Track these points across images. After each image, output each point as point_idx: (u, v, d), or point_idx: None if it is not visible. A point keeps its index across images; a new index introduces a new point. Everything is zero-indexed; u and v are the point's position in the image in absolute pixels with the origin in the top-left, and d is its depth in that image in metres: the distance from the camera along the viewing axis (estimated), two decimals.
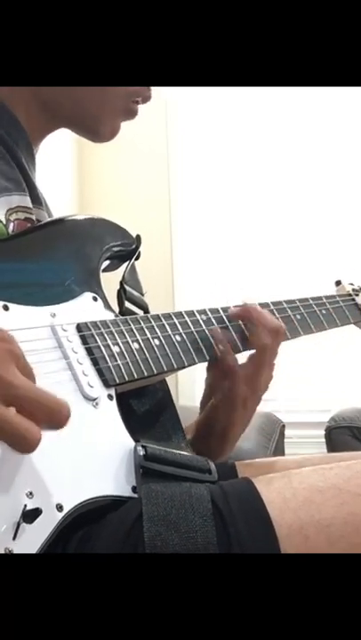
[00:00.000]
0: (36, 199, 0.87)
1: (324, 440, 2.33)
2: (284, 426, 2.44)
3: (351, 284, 1.09)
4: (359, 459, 0.71)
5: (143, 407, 0.79)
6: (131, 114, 0.90)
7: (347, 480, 0.64)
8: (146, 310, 0.86)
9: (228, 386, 0.83)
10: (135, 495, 0.65)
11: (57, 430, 0.53)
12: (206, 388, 0.88)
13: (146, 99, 0.90)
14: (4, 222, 0.78)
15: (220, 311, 0.87)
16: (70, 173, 2.92)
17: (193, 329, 0.82)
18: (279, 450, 2.33)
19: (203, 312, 0.85)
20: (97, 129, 0.90)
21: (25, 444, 0.50)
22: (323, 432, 2.33)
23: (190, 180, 2.92)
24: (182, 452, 0.71)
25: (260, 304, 0.89)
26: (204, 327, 0.83)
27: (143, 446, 0.67)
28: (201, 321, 0.83)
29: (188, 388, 2.71)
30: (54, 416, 0.53)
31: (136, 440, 0.69)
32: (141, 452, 0.67)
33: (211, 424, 0.87)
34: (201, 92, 2.86)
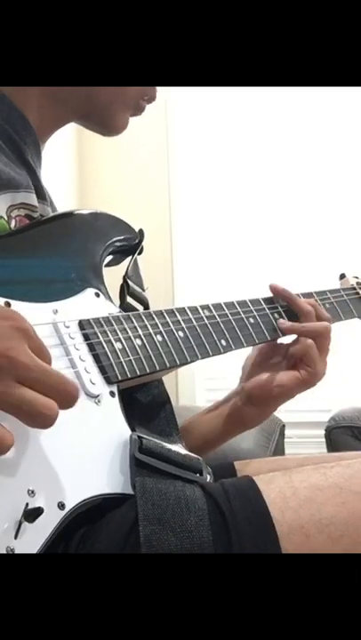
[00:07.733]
0: (42, 195, 0.87)
1: (324, 440, 2.32)
2: (284, 426, 2.43)
3: (356, 277, 1.08)
4: (360, 458, 0.71)
5: (141, 404, 0.79)
6: (139, 110, 0.93)
7: (348, 479, 0.64)
8: (146, 306, 0.85)
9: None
10: None
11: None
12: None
13: (152, 98, 0.93)
14: (6, 218, 0.78)
15: (224, 307, 0.86)
16: (71, 170, 2.92)
17: (196, 325, 0.81)
18: (279, 450, 2.32)
19: (206, 307, 0.84)
20: (110, 122, 0.93)
21: (44, 421, 0.53)
22: (323, 432, 2.32)
23: (190, 177, 2.91)
24: (177, 449, 0.71)
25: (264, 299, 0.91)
26: (206, 322, 0.83)
27: (139, 437, 0.67)
28: (204, 317, 0.83)
29: (188, 388, 2.71)
30: (64, 398, 0.55)
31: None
32: (136, 444, 0.66)
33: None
34: (201, 92, 2.85)
